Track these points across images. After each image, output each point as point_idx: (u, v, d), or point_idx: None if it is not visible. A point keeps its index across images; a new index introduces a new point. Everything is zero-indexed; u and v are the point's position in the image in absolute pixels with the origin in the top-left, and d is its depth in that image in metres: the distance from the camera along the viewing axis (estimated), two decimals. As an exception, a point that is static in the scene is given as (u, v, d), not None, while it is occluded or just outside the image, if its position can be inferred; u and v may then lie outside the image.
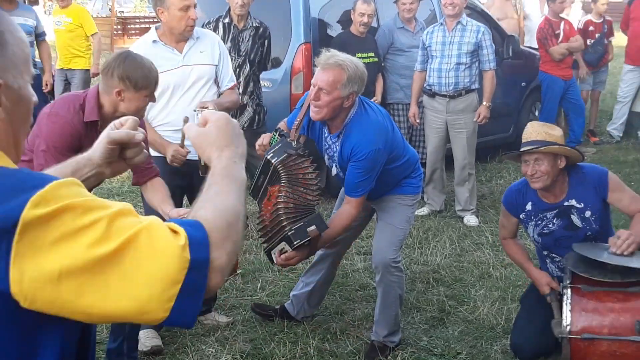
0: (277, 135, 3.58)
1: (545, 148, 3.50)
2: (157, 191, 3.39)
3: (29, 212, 1.06)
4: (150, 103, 3.97)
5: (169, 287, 1.11)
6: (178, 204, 3.80)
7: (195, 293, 1.14)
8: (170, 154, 3.87)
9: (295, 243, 3.38)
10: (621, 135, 9.24)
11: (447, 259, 5.27)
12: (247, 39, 5.58)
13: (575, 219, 3.64)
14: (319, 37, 6.42)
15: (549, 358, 3.77)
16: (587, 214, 3.62)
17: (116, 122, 1.63)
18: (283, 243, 3.43)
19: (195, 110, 3.88)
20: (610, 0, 9.42)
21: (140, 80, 3.12)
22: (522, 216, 3.79)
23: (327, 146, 3.70)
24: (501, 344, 3.99)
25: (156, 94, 3.96)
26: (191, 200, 4.10)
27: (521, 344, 3.78)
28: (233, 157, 1.41)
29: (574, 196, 3.64)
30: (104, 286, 1.09)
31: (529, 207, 3.75)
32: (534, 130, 3.63)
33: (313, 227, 3.37)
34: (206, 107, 3.89)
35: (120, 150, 1.59)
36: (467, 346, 4.00)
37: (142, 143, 1.62)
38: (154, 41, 4.05)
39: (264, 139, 3.61)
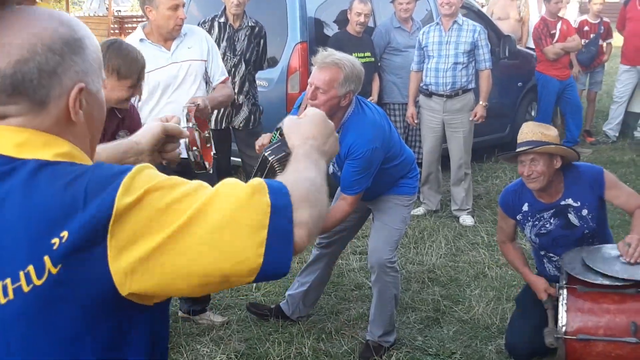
0: (277, 134, 3.57)
1: (540, 148, 3.50)
2: None
3: (120, 202, 1.11)
4: (140, 103, 3.97)
5: (255, 231, 1.14)
6: None
7: (283, 238, 1.17)
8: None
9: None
10: (617, 135, 9.25)
11: (443, 259, 5.26)
12: (242, 39, 5.57)
13: (572, 217, 3.64)
14: (315, 37, 6.42)
15: (543, 358, 3.78)
16: (584, 212, 3.62)
17: (162, 117, 1.77)
18: None
19: (184, 107, 3.88)
20: (606, 1, 9.43)
21: (123, 69, 3.08)
22: (519, 217, 3.79)
23: None
24: (496, 344, 3.99)
25: (146, 93, 3.97)
26: None
27: (516, 344, 3.78)
28: (317, 149, 1.46)
29: (571, 195, 3.64)
30: (197, 244, 1.13)
31: (525, 208, 3.75)
32: (530, 131, 3.63)
33: None
34: (197, 103, 3.88)
35: (163, 143, 1.72)
36: (462, 346, 4.00)
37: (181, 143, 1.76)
38: (141, 40, 4.01)
39: (264, 138, 3.59)
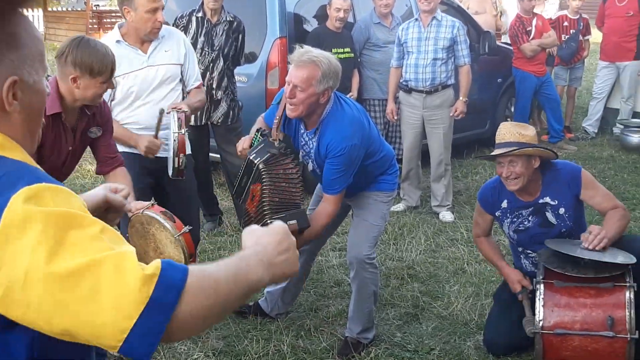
0: (259, 136, 3.55)
1: (519, 151, 3.51)
2: (120, 181, 3.34)
3: (10, 208, 1.11)
4: (113, 103, 3.93)
5: (121, 319, 1.09)
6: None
7: (149, 334, 1.11)
8: (145, 145, 3.82)
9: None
10: (596, 131, 9.31)
11: (422, 255, 5.26)
12: (220, 34, 5.53)
13: (549, 216, 3.65)
14: (295, 32, 6.39)
15: (521, 353, 3.79)
16: (561, 211, 3.63)
17: (112, 186, 1.79)
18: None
19: (168, 112, 3.84)
20: (585, -3, 9.49)
21: (96, 66, 3.02)
22: (497, 214, 3.80)
23: (303, 142, 3.67)
24: (474, 340, 3.99)
25: (120, 94, 3.93)
26: (158, 200, 4.01)
27: (494, 340, 3.79)
28: (260, 258, 1.32)
29: (548, 194, 3.65)
30: (64, 302, 1.09)
31: (504, 204, 3.75)
32: (507, 131, 3.63)
33: (293, 222, 3.35)
34: (180, 109, 3.84)
35: (105, 210, 1.75)
36: (441, 342, 4.00)
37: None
38: (118, 41, 3.96)
39: (244, 142, 3.58)
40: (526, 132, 3.61)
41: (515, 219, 3.73)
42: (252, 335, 4.03)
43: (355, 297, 3.92)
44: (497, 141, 3.66)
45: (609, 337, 3.24)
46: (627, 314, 3.25)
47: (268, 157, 3.42)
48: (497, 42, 8.55)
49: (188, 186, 4.13)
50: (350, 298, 4.00)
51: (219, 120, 5.62)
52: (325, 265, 5.08)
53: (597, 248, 3.31)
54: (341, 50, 6.17)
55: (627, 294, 3.29)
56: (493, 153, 3.62)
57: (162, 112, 3.79)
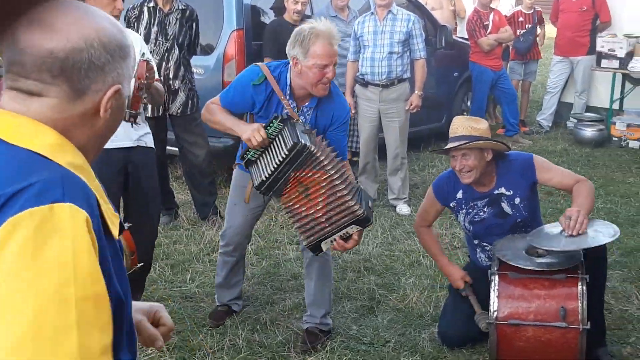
0: (276, 122, 3.42)
1: (470, 144, 3.53)
2: None
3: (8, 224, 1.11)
4: None
5: None
6: (116, 203, 3.65)
7: None
8: None
9: (371, 222, 3.40)
10: (550, 125, 9.44)
11: (379, 248, 5.28)
12: (174, 22, 5.47)
13: (505, 206, 3.68)
14: (252, 24, 6.34)
15: (476, 345, 3.82)
16: (517, 200, 3.66)
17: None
18: (350, 227, 3.30)
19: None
20: (540, -7, 9.62)
21: None
22: (452, 204, 3.82)
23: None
24: (429, 332, 4.01)
25: None
26: (126, 203, 3.92)
27: (448, 331, 3.81)
28: None
29: (503, 184, 3.68)
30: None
31: (459, 195, 3.77)
32: (460, 125, 3.65)
33: (370, 202, 3.40)
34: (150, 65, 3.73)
35: None
36: (396, 334, 4.01)
37: None
38: None
39: (260, 131, 3.36)
40: (478, 126, 3.63)
41: (471, 210, 3.75)
42: (207, 330, 3.99)
43: (317, 279, 3.90)
44: (450, 135, 3.67)
45: (561, 327, 3.28)
46: (580, 305, 3.30)
47: (310, 138, 3.31)
48: (454, 37, 8.62)
49: (151, 183, 3.98)
50: (309, 284, 3.95)
51: (178, 111, 5.56)
52: (282, 258, 5.06)
53: (580, 232, 3.29)
54: (298, 42, 6.13)
55: (580, 285, 3.33)
56: (446, 147, 3.64)
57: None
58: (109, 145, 1.56)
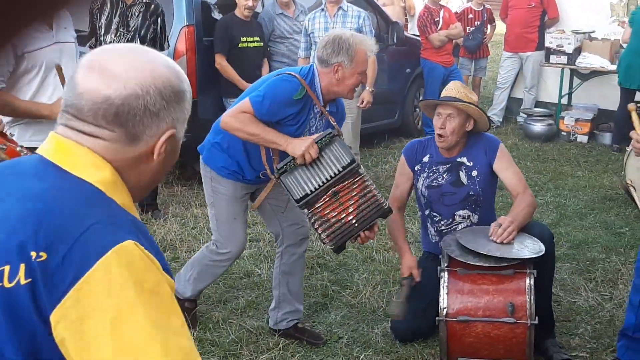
0: (327, 138, 3.38)
1: (462, 104, 3.65)
2: None
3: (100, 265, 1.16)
4: (20, 86, 3.66)
5: None
6: None
7: None
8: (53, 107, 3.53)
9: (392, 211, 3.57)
10: (501, 120, 9.56)
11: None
12: (136, 15, 5.41)
13: (462, 175, 3.75)
14: (203, 20, 6.28)
15: (427, 339, 3.85)
16: (474, 173, 3.74)
17: None
18: (375, 221, 3.46)
19: None
20: (490, -11, 9.74)
21: None
22: (417, 167, 3.87)
23: (312, 124, 3.56)
24: (382, 327, 4.03)
25: (38, 76, 3.62)
26: None
27: (401, 326, 3.83)
28: None
29: (466, 154, 3.78)
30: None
31: (426, 159, 3.86)
32: (455, 88, 3.77)
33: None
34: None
35: None
36: (349, 330, 4.02)
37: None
38: None
39: (314, 146, 3.31)
40: (472, 96, 3.77)
41: (431, 174, 3.82)
42: (159, 330, 3.94)
43: (300, 274, 3.98)
44: (443, 94, 3.80)
45: (510, 323, 3.32)
46: (527, 299, 3.35)
47: (353, 157, 3.41)
48: (405, 33, 8.67)
49: None
50: (293, 282, 3.94)
51: None
52: (235, 256, 5.02)
53: (505, 241, 3.39)
54: (250, 39, 6.11)
55: (527, 280, 3.38)
56: (440, 98, 3.77)
57: (59, 67, 3.58)
58: None
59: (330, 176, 3.31)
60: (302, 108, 3.43)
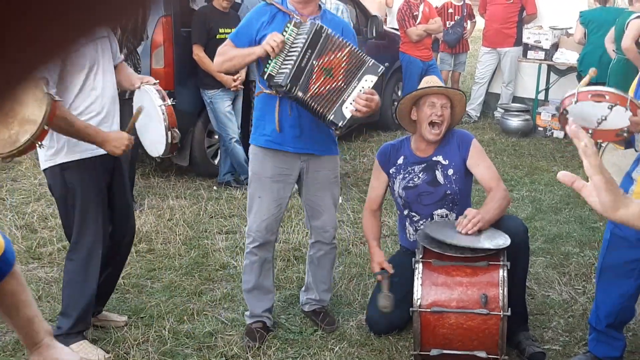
0: (291, 26, 3.38)
1: (458, 93, 3.75)
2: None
3: None
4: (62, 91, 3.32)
5: None
6: (106, 210, 3.55)
7: None
8: (123, 144, 3.34)
9: (380, 70, 3.42)
10: (478, 115, 9.62)
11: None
12: None
13: (438, 174, 3.76)
14: (180, 10, 6.24)
15: (402, 332, 3.86)
16: (450, 172, 3.74)
17: None
18: (364, 79, 3.37)
19: (138, 87, 3.55)
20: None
21: None
22: (392, 170, 3.87)
23: None
24: (357, 320, 4.04)
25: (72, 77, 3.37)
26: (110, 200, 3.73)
27: (375, 318, 3.84)
28: None
29: (441, 153, 3.78)
30: None
31: (400, 161, 3.85)
32: (437, 81, 3.85)
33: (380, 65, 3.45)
34: (149, 82, 3.56)
35: None
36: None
37: None
38: None
39: (276, 35, 3.33)
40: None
41: (407, 175, 3.82)
42: (132, 322, 3.93)
43: (329, 268, 4.05)
44: (426, 85, 3.80)
45: (483, 314, 3.34)
46: (501, 291, 3.36)
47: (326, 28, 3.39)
48: (385, 27, 8.67)
49: (128, 181, 3.84)
50: (321, 274, 4.01)
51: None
52: (211, 248, 5.01)
53: (469, 232, 3.41)
54: (228, 30, 6.06)
55: (501, 272, 3.40)
56: (440, 85, 3.81)
57: (140, 110, 3.44)
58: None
59: (300, 47, 3.34)
60: (272, 19, 3.49)
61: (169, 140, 3.48)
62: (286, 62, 3.34)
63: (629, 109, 2.89)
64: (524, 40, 8.95)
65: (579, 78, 8.28)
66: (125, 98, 5.51)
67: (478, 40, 11.23)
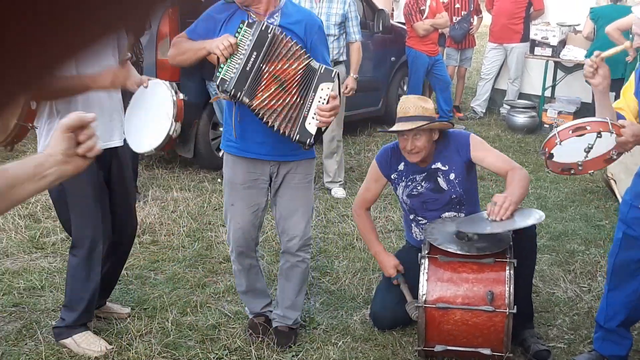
0: (244, 27, 3.20)
1: (427, 126, 3.53)
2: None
3: None
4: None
5: None
6: (106, 205, 3.51)
7: None
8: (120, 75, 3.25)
9: (333, 75, 3.20)
10: (484, 111, 9.58)
11: (313, 231, 5.24)
12: None
13: (441, 181, 3.71)
14: (186, 0, 6.20)
15: (406, 327, 3.84)
16: (452, 176, 3.69)
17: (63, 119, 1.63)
18: (320, 88, 3.17)
19: (151, 80, 3.49)
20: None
21: None
22: (393, 176, 3.82)
23: None
24: (361, 314, 4.02)
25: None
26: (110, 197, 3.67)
27: (380, 313, 3.82)
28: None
29: (440, 159, 3.71)
30: None
31: (401, 167, 3.78)
32: (412, 105, 3.62)
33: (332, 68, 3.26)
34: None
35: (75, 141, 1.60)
36: (328, 317, 4.00)
37: (93, 128, 1.62)
38: None
39: (227, 37, 3.15)
40: (428, 106, 3.66)
41: (410, 183, 3.77)
42: (135, 313, 3.91)
43: (298, 284, 3.69)
44: (400, 115, 3.65)
45: (488, 311, 3.32)
46: (507, 289, 3.34)
47: (275, 28, 3.19)
48: (391, 21, 8.63)
49: (129, 177, 3.77)
50: (287, 287, 3.73)
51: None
52: (215, 240, 4.99)
53: (503, 218, 3.31)
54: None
55: (507, 269, 3.37)
56: (400, 128, 3.60)
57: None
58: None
59: (246, 49, 3.14)
60: (231, 15, 3.32)
61: (171, 133, 3.36)
62: (235, 65, 3.16)
63: (613, 131, 2.84)
64: (531, 36, 8.90)
65: None
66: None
67: (484, 35, 11.18)
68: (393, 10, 10.30)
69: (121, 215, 3.66)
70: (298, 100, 3.20)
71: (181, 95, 3.42)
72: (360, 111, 7.92)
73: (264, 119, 3.20)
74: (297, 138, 3.22)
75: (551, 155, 2.98)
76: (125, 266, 4.46)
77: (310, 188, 3.64)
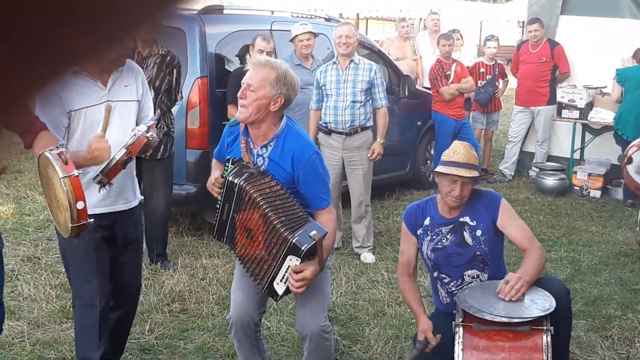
0: (229, 165, 3.37)
1: (486, 176, 3.59)
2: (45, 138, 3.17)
3: None
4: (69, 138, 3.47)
5: None
6: (104, 262, 3.56)
7: None
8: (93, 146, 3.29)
9: (303, 248, 3.10)
10: (513, 174, 9.53)
11: (343, 297, 5.20)
12: (151, 66, 5.46)
13: (467, 235, 3.67)
14: (216, 72, 6.34)
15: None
16: (478, 232, 3.66)
17: None
18: (289, 259, 3.15)
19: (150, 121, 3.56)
20: (500, 45, 9.83)
21: None
22: (419, 232, 3.79)
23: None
24: (394, 384, 3.94)
25: (79, 130, 3.46)
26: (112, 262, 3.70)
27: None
28: None
29: (468, 214, 3.69)
30: None
31: (427, 222, 3.77)
32: (465, 152, 3.66)
33: (314, 232, 3.15)
34: (151, 134, 3.51)
35: None
36: (361, 387, 3.93)
37: None
38: (75, 72, 3.36)
39: (214, 173, 3.45)
40: (475, 153, 3.74)
41: (435, 237, 3.74)
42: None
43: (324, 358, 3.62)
44: (453, 159, 3.64)
45: (526, 380, 3.23)
46: (545, 357, 3.25)
47: (247, 175, 3.25)
48: (417, 86, 8.71)
49: (133, 236, 3.81)
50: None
51: (147, 154, 5.48)
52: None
53: (513, 299, 3.32)
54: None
55: (545, 337, 3.29)
56: (461, 173, 3.58)
57: (109, 108, 3.39)
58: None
59: (219, 201, 3.32)
60: (235, 140, 3.47)
61: (117, 159, 3.28)
62: (216, 212, 3.37)
63: None
64: (558, 99, 8.91)
65: (616, 137, 8.24)
66: (157, 158, 5.59)
67: (511, 98, 11.22)
68: (417, 76, 10.40)
69: (124, 279, 3.73)
70: (265, 256, 3.23)
71: (150, 133, 3.37)
72: (388, 175, 7.93)
73: (244, 266, 3.35)
74: (265, 290, 3.34)
75: (630, 160, 2.94)
76: (155, 335, 4.46)
77: (327, 273, 3.55)
